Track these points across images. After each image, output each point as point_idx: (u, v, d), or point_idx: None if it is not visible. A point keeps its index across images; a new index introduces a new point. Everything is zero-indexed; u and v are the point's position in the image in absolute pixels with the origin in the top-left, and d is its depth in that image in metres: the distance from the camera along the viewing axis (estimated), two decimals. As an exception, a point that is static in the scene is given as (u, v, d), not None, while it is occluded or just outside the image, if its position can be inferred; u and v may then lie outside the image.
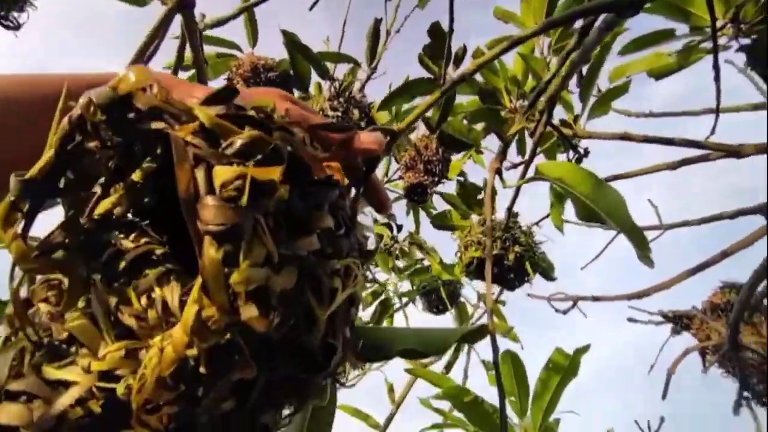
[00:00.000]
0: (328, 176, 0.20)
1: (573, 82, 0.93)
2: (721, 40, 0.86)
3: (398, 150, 1.27)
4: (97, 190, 0.20)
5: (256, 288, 0.15)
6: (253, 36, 1.22)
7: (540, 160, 0.86)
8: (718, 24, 0.78)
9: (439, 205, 1.27)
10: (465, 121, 0.91)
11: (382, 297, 1.47)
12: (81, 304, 0.18)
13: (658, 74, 0.94)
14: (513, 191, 0.82)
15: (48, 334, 0.17)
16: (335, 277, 0.19)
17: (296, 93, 1.17)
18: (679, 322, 1.08)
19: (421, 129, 1.26)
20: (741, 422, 0.87)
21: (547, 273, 1.06)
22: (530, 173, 0.71)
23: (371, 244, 0.26)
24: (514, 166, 0.89)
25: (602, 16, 0.65)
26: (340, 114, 1.08)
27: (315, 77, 1.13)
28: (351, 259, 0.21)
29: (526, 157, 0.78)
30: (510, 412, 0.85)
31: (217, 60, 1.24)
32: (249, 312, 0.15)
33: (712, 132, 0.83)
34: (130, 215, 0.21)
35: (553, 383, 0.81)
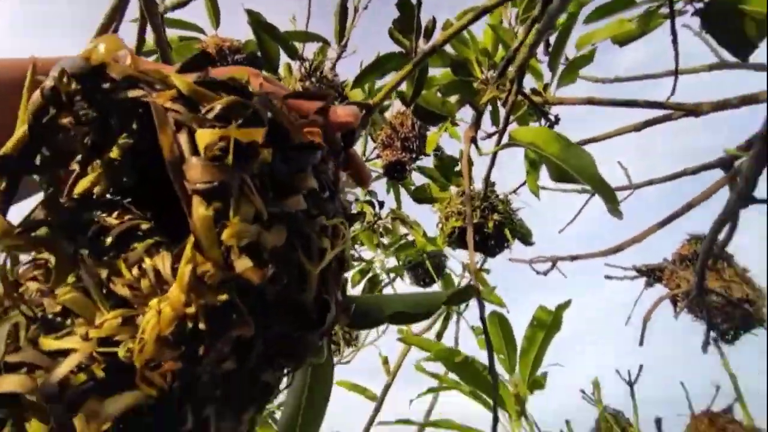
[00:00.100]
0: (309, 140, 0.20)
1: (542, 52, 0.96)
2: (678, 5, 0.90)
3: (374, 128, 1.28)
4: (75, 168, 0.20)
5: (248, 244, 0.16)
6: (216, 17, 1.19)
7: (513, 128, 0.89)
8: (674, -13, 0.81)
9: (418, 179, 1.29)
10: (439, 94, 0.94)
11: (370, 274, 1.50)
12: (71, 280, 0.18)
13: (622, 40, 0.98)
14: (489, 161, 0.85)
15: (41, 310, 0.17)
16: (323, 236, 0.20)
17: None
18: (652, 274, 1.15)
19: (397, 106, 1.27)
20: (709, 359, 0.95)
21: (526, 238, 1.11)
22: (504, 140, 0.74)
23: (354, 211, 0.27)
24: (489, 135, 0.92)
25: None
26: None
27: (284, 58, 1.11)
28: (337, 220, 0.21)
29: (500, 126, 0.80)
30: (500, 369, 0.90)
31: (180, 44, 1.21)
32: (243, 264, 0.15)
33: (672, 93, 0.88)
34: (109, 195, 0.21)
35: (538, 339, 0.85)
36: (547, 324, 0.88)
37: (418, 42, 0.80)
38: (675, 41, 0.84)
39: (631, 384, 1.00)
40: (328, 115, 0.26)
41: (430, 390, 0.97)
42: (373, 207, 1.46)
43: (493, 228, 0.94)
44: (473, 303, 0.95)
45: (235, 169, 0.16)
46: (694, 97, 0.91)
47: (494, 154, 0.76)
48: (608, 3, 0.94)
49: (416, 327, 1.44)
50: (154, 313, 0.15)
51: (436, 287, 1.52)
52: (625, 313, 1.10)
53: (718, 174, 0.94)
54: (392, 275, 1.51)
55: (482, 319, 0.64)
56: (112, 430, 0.14)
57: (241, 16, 0.99)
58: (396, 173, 1.19)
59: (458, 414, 0.94)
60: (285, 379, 0.22)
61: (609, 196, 0.62)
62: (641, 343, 0.99)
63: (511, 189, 1.07)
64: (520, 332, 0.90)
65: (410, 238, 1.47)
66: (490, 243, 0.94)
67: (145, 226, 0.20)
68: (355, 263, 1.48)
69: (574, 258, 1.05)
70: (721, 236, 0.87)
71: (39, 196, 0.22)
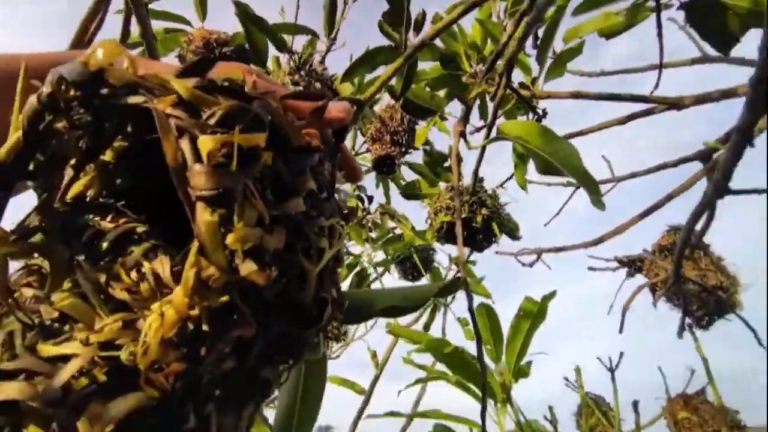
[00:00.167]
0: (308, 142, 0.21)
1: (531, 45, 0.97)
2: (663, -1, 0.91)
3: (363, 122, 1.28)
4: (68, 172, 0.20)
5: (251, 247, 0.16)
6: (202, 9, 1.17)
7: (501, 122, 0.90)
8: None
9: (408, 175, 1.30)
10: (428, 88, 0.94)
11: (358, 268, 1.50)
12: (66, 285, 0.18)
13: (608, 33, 0.99)
14: (477, 155, 0.85)
15: (37, 316, 0.17)
16: (322, 236, 0.20)
17: (254, 68, 1.14)
18: (633, 265, 1.19)
19: (386, 100, 1.27)
20: (684, 344, 0.98)
21: (513, 233, 1.12)
22: (493, 134, 0.75)
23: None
24: (477, 129, 0.93)
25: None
26: (301, 88, 1.07)
27: (272, 51, 1.10)
28: (334, 220, 0.22)
29: (489, 120, 0.81)
30: (486, 358, 0.92)
31: (165, 36, 1.18)
32: (248, 268, 0.16)
33: (656, 86, 0.90)
34: (102, 198, 0.21)
35: (523, 329, 0.87)
36: (533, 314, 0.90)
37: (408, 35, 0.79)
38: (660, 35, 0.85)
39: (612, 370, 1.03)
40: (324, 113, 0.26)
41: (418, 381, 0.98)
42: (362, 202, 1.46)
43: (482, 223, 0.95)
44: (460, 294, 0.97)
45: (238, 175, 0.16)
46: (678, 90, 0.93)
47: (483, 149, 0.76)
48: (596, -5, 0.95)
49: (403, 319, 1.46)
50: (157, 316, 0.15)
51: (424, 281, 1.54)
52: (607, 302, 1.13)
53: (698, 166, 0.96)
54: (380, 269, 1.52)
55: (471, 310, 0.65)
56: None
57: (229, 7, 0.97)
58: (385, 167, 1.19)
59: (444, 405, 0.96)
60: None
61: (592, 188, 0.64)
62: (621, 331, 1.03)
63: (498, 183, 1.08)
64: (506, 323, 0.92)
65: (398, 231, 1.47)
66: (479, 237, 0.95)
67: (140, 229, 0.20)
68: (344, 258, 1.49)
69: (558, 250, 1.08)
70: (699, 226, 0.90)
71: (22, 198, 0.21)
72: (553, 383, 1.16)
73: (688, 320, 0.95)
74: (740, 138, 0.67)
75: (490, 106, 0.86)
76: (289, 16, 1.34)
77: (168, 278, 0.17)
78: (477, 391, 0.85)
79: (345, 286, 1.54)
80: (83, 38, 0.77)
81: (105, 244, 0.19)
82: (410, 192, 1.12)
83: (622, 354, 1.06)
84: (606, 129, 0.96)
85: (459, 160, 0.78)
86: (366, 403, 1.33)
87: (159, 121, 0.16)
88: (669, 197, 0.90)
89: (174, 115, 0.17)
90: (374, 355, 1.46)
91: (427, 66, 1.06)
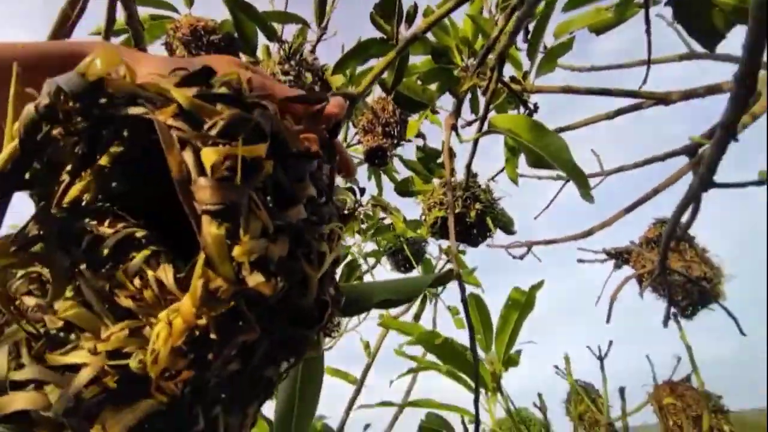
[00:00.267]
0: (307, 148, 0.21)
1: (521, 39, 0.97)
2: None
3: (355, 114, 1.27)
4: (65, 177, 0.20)
5: (257, 258, 0.16)
6: (189, -6, 1.14)
7: (492, 115, 0.90)
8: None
9: (401, 170, 1.30)
10: (419, 82, 0.94)
11: (349, 258, 1.51)
12: (69, 293, 0.18)
13: (598, 29, 1.00)
14: (470, 149, 0.86)
15: (42, 326, 0.17)
16: (322, 241, 0.20)
17: (243, 57, 1.13)
18: (620, 257, 1.21)
19: (377, 91, 1.26)
20: (669, 333, 1.02)
21: (508, 227, 1.14)
22: (484, 129, 0.76)
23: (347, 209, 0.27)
24: (469, 123, 0.93)
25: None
26: (292, 78, 1.06)
27: (261, 39, 1.08)
28: (334, 224, 0.22)
29: (480, 113, 0.82)
30: (476, 348, 0.94)
31: (152, 22, 1.15)
32: (255, 279, 0.16)
33: (644, 81, 0.91)
34: (99, 202, 0.21)
35: (512, 318, 0.89)
36: (521, 304, 0.92)
37: (400, 27, 0.79)
38: (648, 31, 0.86)
39: (600, 358, 1.06)
40: (322, 115, 0.26)
41: (411, 371, 1.00)
42: (354, 193, 1.46)
43: (475, 217, 0.95)
44: (450, 284, 0.98)
45: (243, 188, 0.16)
46: (667, 86, 0.94)
47: (475, 143, 0.77)
48: (585, -9, 0.95)
49: (394, 309, 1.47)
50: (165, 325, 0.15)
51: (416, 272, 1.55)
52: (595, 293, 1.16)
53: (684, 161, 0.98)
54: (372, 261, 1.52)
55: (464, 301, 0.66)
56: None
57: (216, -6, 0.95)
58: (377, 159, 1.19)
59: (435, 394, 0.98)
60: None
61: (581, 181, 0.65)
62: (608, 321, 1.05)
63: (489, 176, 1.09)
64: (496, 314, 0.94)
65: (387, 221, 1.48)
66: (473, 232, 0.96)
67: (139, 234, 0.20)
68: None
69: (548, 242, 1.09)
70: (685, 219, 0.92)
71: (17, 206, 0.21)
72: (544, 372, 1.19)
73: (673, 310, 0.98)
74: (724, 133, 0.69)
75: (482, 100, 0.86)
76: (278, 4, 1.32)
77: (172, 285, 0.18)
78: (468, 380, 0.87)
79: (336, 277, 1.54)
80: (65, 25, 0.75)
81: (105, 251, 0.19)
82: (404, 189, 1.12)
83: (611, 343, 1.09)
84: (595, 123, 0.97)
85: (451, 153, 0.79)
86: (357, 392, 1.35)
87: (162, 134, 0.16)
88: (655, 191, 0.92)
89: (176, 127, 0.17)
90: (367, 345, 1.48)
91: (418, 60, 1.06)
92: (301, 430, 0.33)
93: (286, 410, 0.33)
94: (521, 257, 1.15)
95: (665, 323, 0.97)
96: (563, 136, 0.66)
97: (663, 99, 0.91)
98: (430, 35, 0.91)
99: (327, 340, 1.47)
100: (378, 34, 0.87)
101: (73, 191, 0.20)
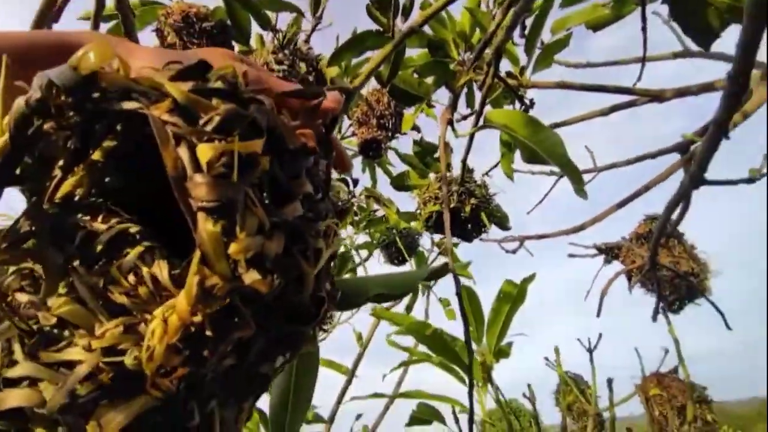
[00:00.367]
0: (303, 144, 0.20)
1: (518, 35, 0.97)
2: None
3: (350, 105, 1.27)
4: (57, 173, 0.19)
5: (253, 255, 0.16)
6: (181, -19, 1.12)
7: (488, 110, 0.90)
8: (646, -26, 0.83)
9: (395, 162, 1.30)
10: (415, 75, 0.93)
11: (341, 249, 1.51)
12: (62, 289, 0.18)
13: (595, 25, 1.00)
14: (466, 145, 0.86)
15: (35, 322, 0.17)
16: (318, 238, 0.20)
17: (236, 46, 1.11)
18: (610, 252, 1.23)
19: (372, 83, 1.26)
20: (659, 326, 1.04)
21: (503, 223, 1.14)
22: (480, 123, 0.76)
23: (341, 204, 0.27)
24: (464, 117, 0.93)
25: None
26: (286, 68, 1.04)
27: (255, 28, 1.06)
28: (330, 220, 0.22)
29: (476, 108, 0.81)
30: (468, 341, 0.95)
31: (143, 8, 1.13)
32: (251, 277, 0.16)
33: (639, 79, 0.91)
34: (91, 197, 0.21)
35: (504, 311, 0.90)
36: (513, 296, 0.93)
37: (396, 20, 0.78)
38: (644, 28, 0.87)
39: (590, 351, 1.07)
40: (319, 109, 0.26)
41: (403, 363, 1.01)
42: (348, 185, 1.46)
43: (470, 212, 0.96)
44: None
45: (239, 184, 0.16)
46: (663, 84, 0.95)
47: (471, 138, 0.77)
48: (584, -14, 0.95)
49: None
50: (160, 322, 0.15)
51: (409, 265, 1.56)
52: (586, 287, 1.18)
53: (676, 158, 0.99)
54: (365, 254, 1.53)
55: (458, 295, 0.67)
56: None
57: (209, -20, 0.93)
58: (371, 151, 1.19)
59: (426, 384, 0.99)
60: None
61: (576, 177, 0.66)
62: (598, 315, 1.07)
63: (484, 171, 1.09)
64: (488, 307, 0.95)
65: (380, 213, 1.48)
66: (468, 227, 0.96)
67: (133, 229, 0.20)
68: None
69: (540, 237, 1.10)
70: (675, 216, 0.94)
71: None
72: (534, 364, 1.21)
73: (661, 304, 1.00)
74: (716, 131, 0.70)
75: (478, 94, 0.86)
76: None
77: (167, 282, 0.17)
78: (459, 371, 0.88)
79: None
80: (51, 9, 0.73)
81: (99, 247, 0.19)
82: (400, 183, 1.12)
83: (600, 336, 1.11)
84: (589, 120, 0.98)
85: (447, 147, 0.79)
86: (349, 382, 1.36)
87: (157, 130, 0.16)
88: (646, 187, 0.93)
89: (171, 122, 0.16)
90: (359, 336, 1.49)
91: (414, 53, 1.05)
92: (295, 422, 0.33)
93: (281, 403, 0.33)
94: (514, 251, 1.16)
95: (654, 317, 0.98)
96: (558, 131, 0.66)
97: (657, 96, 0.92)
98: (426, 28, 0.90)
99: (320, 333, 1.48)
100: (374, 26, 0.86)
101: (66, 186, 0.20)
